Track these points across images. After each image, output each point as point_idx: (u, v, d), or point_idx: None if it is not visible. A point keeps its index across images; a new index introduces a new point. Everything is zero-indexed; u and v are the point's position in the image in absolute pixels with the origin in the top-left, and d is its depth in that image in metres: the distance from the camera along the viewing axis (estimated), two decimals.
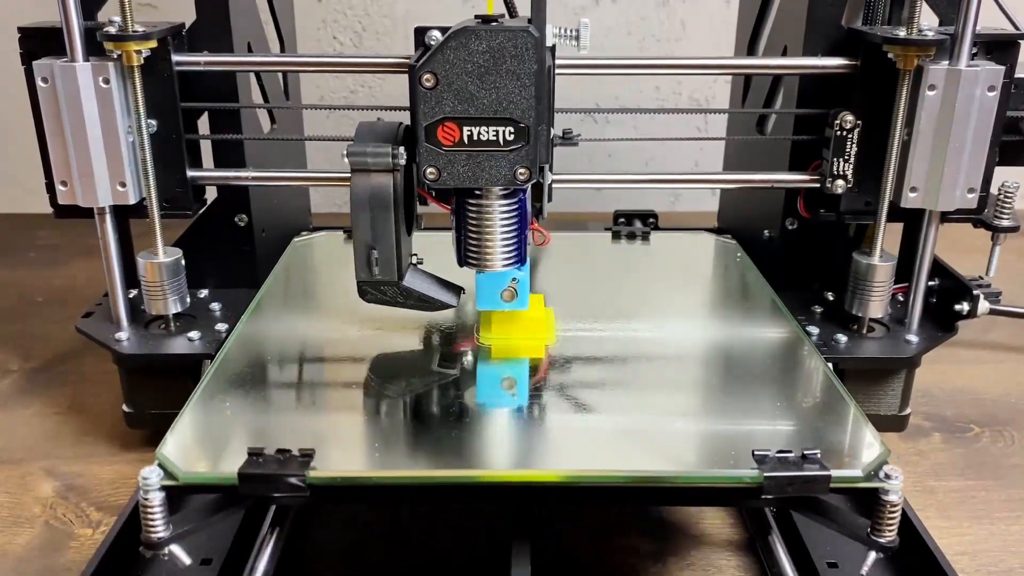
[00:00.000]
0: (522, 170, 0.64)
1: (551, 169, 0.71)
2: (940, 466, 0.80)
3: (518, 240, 0.69)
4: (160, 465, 0.57)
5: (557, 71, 0.70)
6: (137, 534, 0.58)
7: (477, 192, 0.67)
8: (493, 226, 0.67)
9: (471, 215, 0.67)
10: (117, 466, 0.79)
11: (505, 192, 0.67)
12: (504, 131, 0.63)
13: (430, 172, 0.64)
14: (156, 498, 0.55)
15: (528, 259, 0.71)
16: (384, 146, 0.64)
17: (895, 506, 0.56)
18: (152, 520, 0.55)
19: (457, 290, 0.72)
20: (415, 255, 0.71)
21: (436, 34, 0.62)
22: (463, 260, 0.70)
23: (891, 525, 0.56)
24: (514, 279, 0.71)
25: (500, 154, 0.63)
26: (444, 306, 0.71)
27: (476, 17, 0.62)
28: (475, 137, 0.63)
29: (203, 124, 0.83)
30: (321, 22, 1.36)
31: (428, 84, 0.62)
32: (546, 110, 0.64)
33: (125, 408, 0.81)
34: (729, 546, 0.71)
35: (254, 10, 0.89)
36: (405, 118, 0.67)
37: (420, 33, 0.63)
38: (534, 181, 0.65)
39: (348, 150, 0.64)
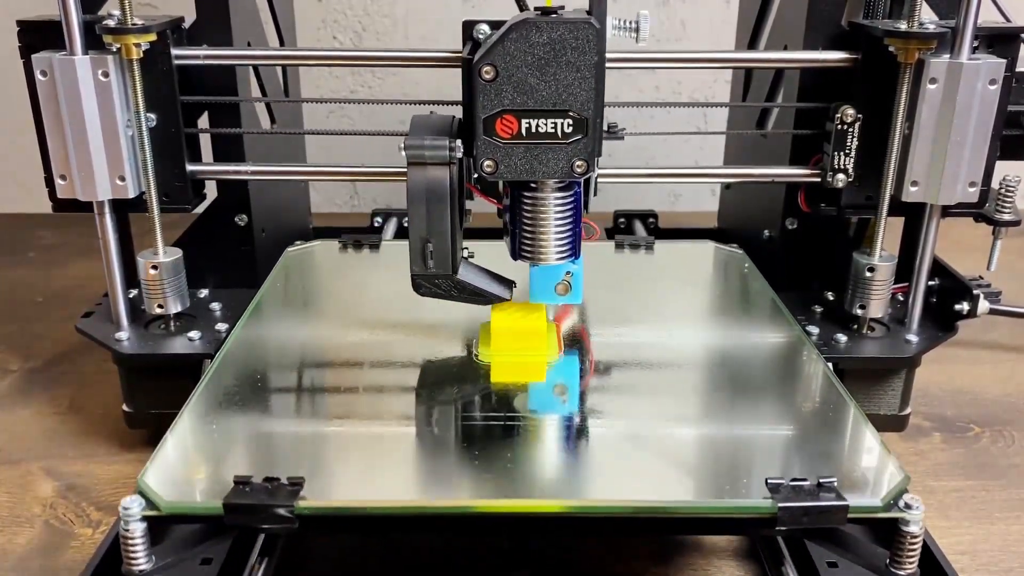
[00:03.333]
0: (579, 162, 0.63)
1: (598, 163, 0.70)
2: (940, 466, 0.80)
3: (572, 233, 0.68)
4: (142, 494, 0.55)
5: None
6: None
7: (532, 185, 0.66)
8: (548, 219, 0.67)
9: (526, 208, 0.67)
10: (117, 466, 0.79)
11: (560, 185, 0.66)
12: (563, 123, 0.62)
13: (487, 165, 0.63)
14: (138, 529, 0.53)
15: (582, 253, 0.70)
16: (442, 139, 0.63)
17: (915, 537, 0.54)
18: (133, 552, 0.53)
19: (509, 284, 0.72)
20: (466, 248, 0.70)
21: (484, 28, 0.62)
22: (517, 253, 0.69)
23: (911, 557, 0.54)
24: (568, 272, 0.70)
25: (558, 146, 0.63)
26: (498, 299, 0.71)
27: (535, 9, 0.62)
28: (533, 129, 0.62)
29: (203, 124, 0.84)
30: (321, 22, 1.36)
31: (487, 76, 0.61)
32: (601, 102, 0.64)
33: (125, 408, 0.81)
34: (729, 547, 0.71)
35: (254, 10, 0.89)
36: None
37: (468, 27, 0.63)
38: (590, 174, 0.64)
39: (405, 143, 0.64)
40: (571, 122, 0.62)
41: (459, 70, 0.65)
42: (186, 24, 0.79)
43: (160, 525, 0.56)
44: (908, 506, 0.54)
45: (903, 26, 0.71)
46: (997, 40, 0.74)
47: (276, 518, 0.54)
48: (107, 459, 0.80)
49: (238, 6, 0.83)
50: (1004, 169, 0.79)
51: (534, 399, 0.68)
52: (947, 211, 0.77)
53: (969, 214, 0.79)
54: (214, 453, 0.62)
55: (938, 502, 0.75)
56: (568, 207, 0.67)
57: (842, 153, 0.77)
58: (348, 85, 1.40)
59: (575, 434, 0.64)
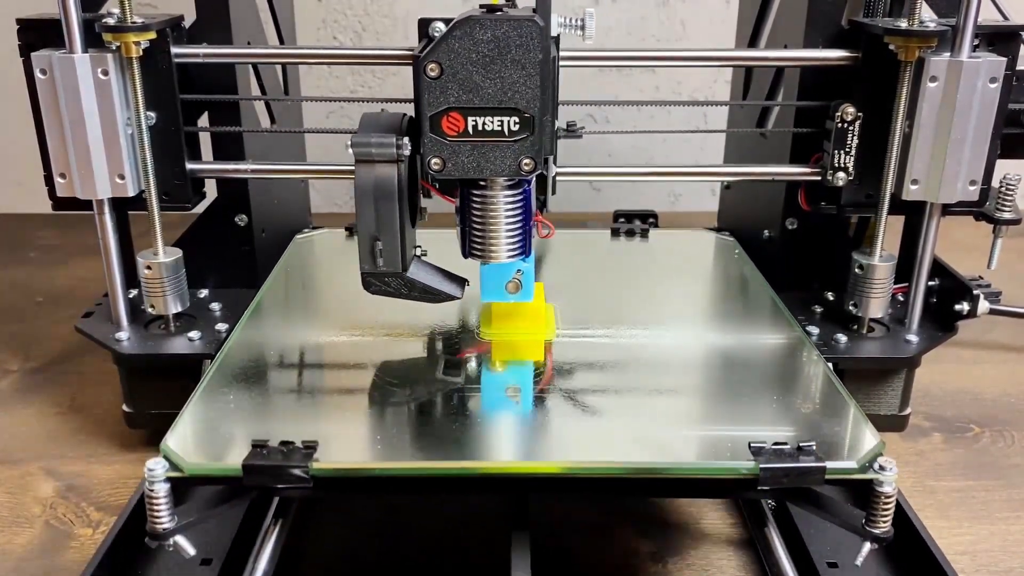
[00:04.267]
0: (527, 160, 0.63)
1: (555, 162, 0.70)
2: (940, 466, 0.80)
3: (523, 231, 0.68)
4: (165, 457, 0.57)
5: (560, 63, 0.70)
6: (138, 533, 0.59)
7: (482, 183, 0.66)
8: (498, 217, 0.67)
9: (475, 206, 0.67)
10: (117, 466, 0.79)
11: (510, 183, 0.66)
12: (509, 121, 0.62)
13: (435, 163, 0.63)
14: (161, 489, 0.55)
15: (533, 251, 0.71)
16: (388, 136, 0.64)
17: (889, 497, 0.56)
18: (158, 511, 0.55)
19: (461, 282, 0.72)
20: (419, 247, 0.70)
21: (440, 25, 0.61)
22: (467, 252, 0.69)
23: (885, 516, 0.56)
24: (519, 271, 0.71)
25: (505, 144, 0.63)
26: (449, 298, 0.71)
27: (481, 7, 0.62)
28: (480, 127, 0.62)
29: (203, 123, 0.83)
30: (321, 22, 1.37)
31: (433, 74, 0.61)
32: (550, 100, 0.64)
33: (125, 408, 0.81)
34: (729, 546, 0.71)
35: (254, 10, 0.89)
36: (406, 111, 0.67)
37: (424, 24, 0.63)
38: (539, 172, 0.64)
39: (352, 140, 0.64)
40: (517, 120, 0.62)
41: None
42: (186, 25, 0.79)
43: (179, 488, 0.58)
44: (882, 468, 0.57)
45: (903, 24, 0.71)
46: (997, 38, 0.74)
47: (292, 478, 0.56)
48: (107, 459, 0.80)
49: (238, 6, 0.83)
50: (1005, 168, 0.79)
51: (533, 374, 0.71)
52: (947, 209, 0.77)
53: (969, 212, 0.79)
54: (232, 422, 0.64)
55: (938, 502, 0.75)
56: (517, 205, 0.67)
57: (842, 151, 0.77)
58: (348, 85, 1.40)
59: (572, 403, 0.66)
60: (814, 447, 0.57)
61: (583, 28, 0.66)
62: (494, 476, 0.59)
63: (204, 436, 0.62)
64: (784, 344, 0.75)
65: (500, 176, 0.65)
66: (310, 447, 0.57)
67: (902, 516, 0.62)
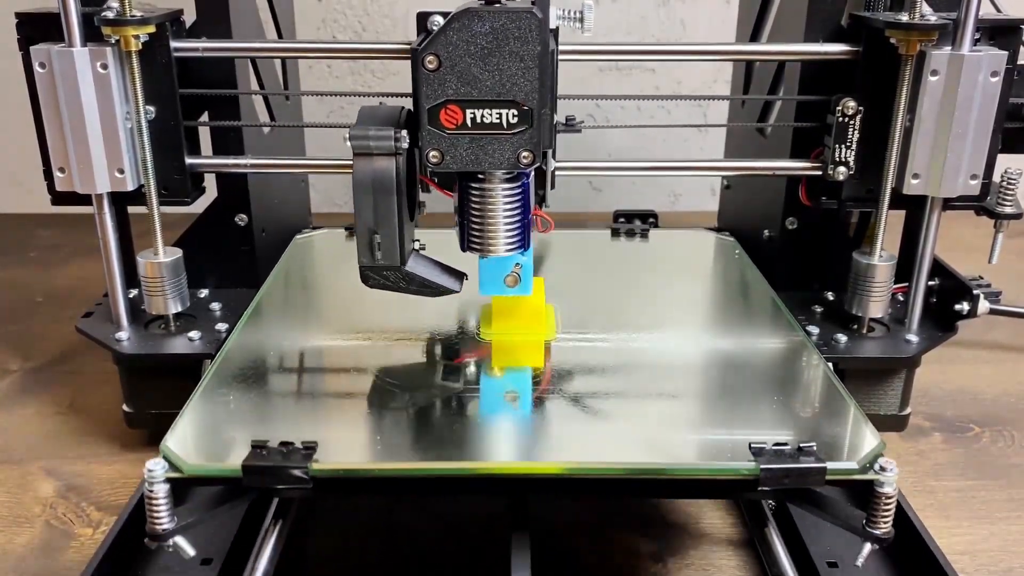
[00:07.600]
0: (525, 153, 0.63)
1: (554, 156, 0.70)
2: (940, 466, 0.80)
3: (521, 225, 0.68)
4: (164, 457, 0.57)
5: (559, 58, 0.70)
6: (138, 534, 0.59)
7: (480, 176, 0.66)
8: (496, 211, 0.67)
9: (474, 199, 0.67)
10: (117, 466, 0.79)
11: (508, 176, 0.66)
12: (507, 114, 0.62)
13: (433, 155, 0.63)
14: (161, 490, 0.55)
15: (532, 245, 0.70)
16: (386, 129, 0.63)
17: (890, 498, 0.56)
18: (157, 512, 0.55)
19: (460, 276, 0.72)
20: (418, 240, 0.70)
21: (438, 19, 0.61)
22: (466, 245, 0.69)
23: (886, 517, 0.56)
24: (517, 264, 0.71)
25: (503, 137, 0.63)
26: (447, 291, 0.70)
27: None
28: (478, 120, 0.62)
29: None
30: (321, 22, 1.37)
31: (431, 66, 0.61)
32: (549, 93, 0.64)
33: (125, 408, 0.81)
34: (729, 545, 0.71)
35: (254, 9, 0.89)
36: (407, 106, 0.67)
37: (422, 18, 0.63)
38: (537, 165, 0.64)
39: (350, 133, 0.64)
40: (516, 113, 0.62)
41: None
42: (187, 25, 0.79)
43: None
44: (883, 468, 0.56)
45: (905, 18, 0.71)
46: (998, 32, 0.74)
47: (292, 479, 0.56)
48: (107, 459, 0.80)
49: (238, 6, 0.82)
50: (1005, 162, 0.78)
51: (534, 374, 0.71)
52: (948, 204, 0.77)
53: (970, 207, 0.78)
54: (231, 423, 0.64)
55: (938, 502, 0.75)
56: (516, 199, 0.67)
57: (843, 146, 0.77)
58: (348, 85, 1.40)
59: (572, 404, 0.66)
60: (815, 448, 0.57)
61: (582, 20, 0.66)
62: (493, 476, 0.59)
63: (204, 437, 0.62)
64: (785, 346, 0.75)
65: (498, 169, 0.65)
66: (309, 448, 0.57)
67: (902, 516, 0.62)
